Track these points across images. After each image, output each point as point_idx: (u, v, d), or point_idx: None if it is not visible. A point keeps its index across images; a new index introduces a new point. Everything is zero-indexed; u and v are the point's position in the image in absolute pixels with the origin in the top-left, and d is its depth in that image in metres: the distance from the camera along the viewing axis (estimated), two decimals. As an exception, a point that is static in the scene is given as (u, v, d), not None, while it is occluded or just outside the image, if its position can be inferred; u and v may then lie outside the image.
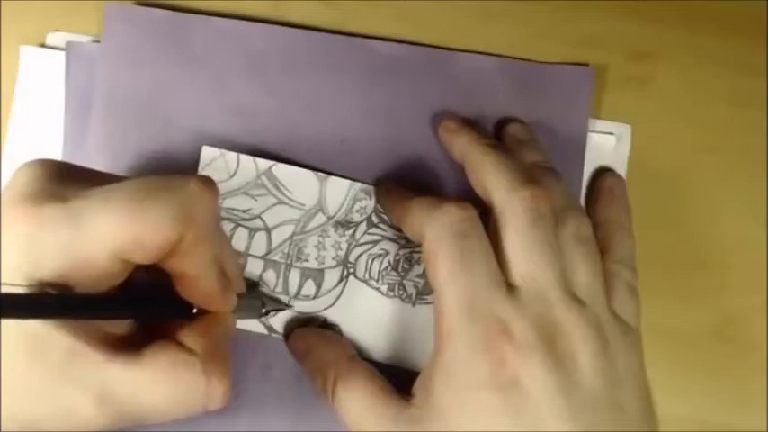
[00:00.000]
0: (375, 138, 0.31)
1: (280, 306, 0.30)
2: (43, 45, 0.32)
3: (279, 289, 0.31)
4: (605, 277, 0.28)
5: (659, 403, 0.31)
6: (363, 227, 0.31)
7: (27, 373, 0.22)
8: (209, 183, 0.24)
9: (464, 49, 0.32)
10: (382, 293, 0.31)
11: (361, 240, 0.31)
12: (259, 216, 0.31)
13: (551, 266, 0.26)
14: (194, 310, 0.25)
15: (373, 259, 0.31)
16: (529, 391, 0.25)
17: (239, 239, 0.31)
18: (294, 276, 0.31)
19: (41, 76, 0.32)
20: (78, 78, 0.31)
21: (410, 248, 0.31)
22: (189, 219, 0.23)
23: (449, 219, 0.26)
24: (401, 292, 0.31)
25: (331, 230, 0.31)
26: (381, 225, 0.31)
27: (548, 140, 0.32)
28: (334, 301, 0.31)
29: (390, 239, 0.31)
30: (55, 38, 0.32)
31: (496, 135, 0.32)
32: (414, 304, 0.31)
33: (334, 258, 0.31)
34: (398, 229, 0.30)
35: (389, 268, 0.31)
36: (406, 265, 0.31)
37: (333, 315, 0.31)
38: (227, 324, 0.27)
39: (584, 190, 0.32)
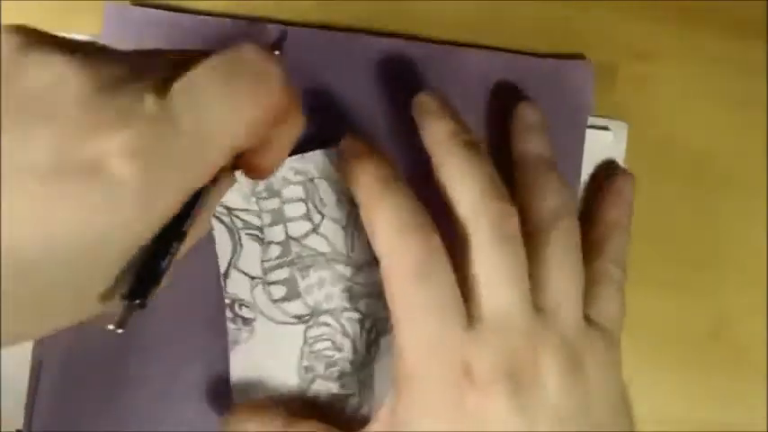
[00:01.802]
0: (374, 134, 0.31)
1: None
2: (42, 45, 0.32)
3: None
4: (594, 277, 0.28)
5: (659, 403, 0.32)
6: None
7: None
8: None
9: (463, 44, 0.32)
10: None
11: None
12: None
13: (517, 293, 0.25)
14: None
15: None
16: (490, 429, 0.24)
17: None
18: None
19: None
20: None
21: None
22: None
23: (410, 256, 0.24)
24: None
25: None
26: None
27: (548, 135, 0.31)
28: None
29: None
30: (54, 38, 0.32)
31: (495, 128, 0.32)
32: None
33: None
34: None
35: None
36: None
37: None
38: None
39: (582, 185, 0.32)
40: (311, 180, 0.30)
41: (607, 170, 0.32)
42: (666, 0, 0.33)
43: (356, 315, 0.30)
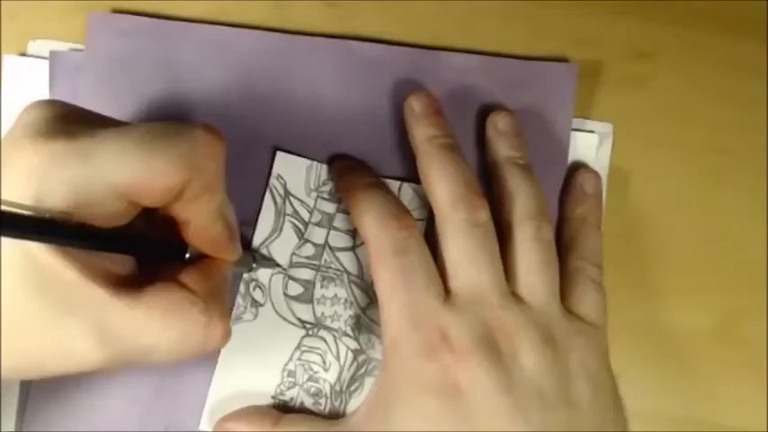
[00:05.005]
0: (361, 140, 0.31)
1: (270, 265, 0.30)
2: (24, 53, 0.31)
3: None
4: (569, 274, 0.29)
5: (659, 403, 0.32)
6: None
7: (27, 304, 0.21)
8: (215, 132, 0.24)
9: (448, 48, 0.32)
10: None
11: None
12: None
13: (489, 271, 0.27)
14: (187, 255, 0.25)
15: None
16: (470, 393, 0.25)
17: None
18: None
19: (25, 85, 0.30)
20: (63, 88, 0.30)
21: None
22: (195, 165, 0.23)
23: (390, 237, 0.27)
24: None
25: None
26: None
27: (531, 138, 0.31)
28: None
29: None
30: (36, 46, 0.31)
31: (481, 128, 0.31)
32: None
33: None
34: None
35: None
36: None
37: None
38: (225, 270, 0.26)
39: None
40: None
41: (574, 169, 0.32)
42: (667, 0, 0.33)
43: (354, 345, 0.30)
